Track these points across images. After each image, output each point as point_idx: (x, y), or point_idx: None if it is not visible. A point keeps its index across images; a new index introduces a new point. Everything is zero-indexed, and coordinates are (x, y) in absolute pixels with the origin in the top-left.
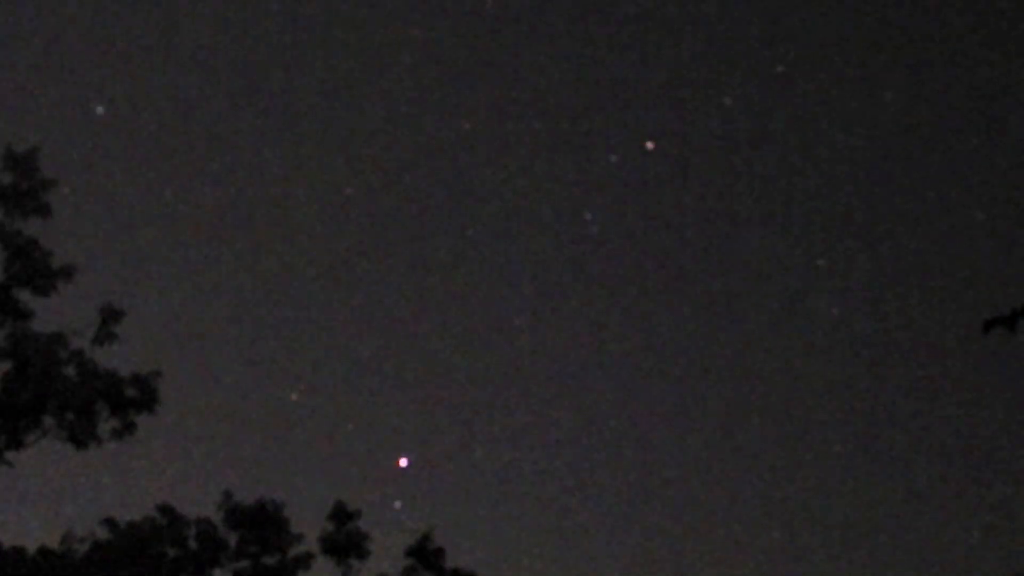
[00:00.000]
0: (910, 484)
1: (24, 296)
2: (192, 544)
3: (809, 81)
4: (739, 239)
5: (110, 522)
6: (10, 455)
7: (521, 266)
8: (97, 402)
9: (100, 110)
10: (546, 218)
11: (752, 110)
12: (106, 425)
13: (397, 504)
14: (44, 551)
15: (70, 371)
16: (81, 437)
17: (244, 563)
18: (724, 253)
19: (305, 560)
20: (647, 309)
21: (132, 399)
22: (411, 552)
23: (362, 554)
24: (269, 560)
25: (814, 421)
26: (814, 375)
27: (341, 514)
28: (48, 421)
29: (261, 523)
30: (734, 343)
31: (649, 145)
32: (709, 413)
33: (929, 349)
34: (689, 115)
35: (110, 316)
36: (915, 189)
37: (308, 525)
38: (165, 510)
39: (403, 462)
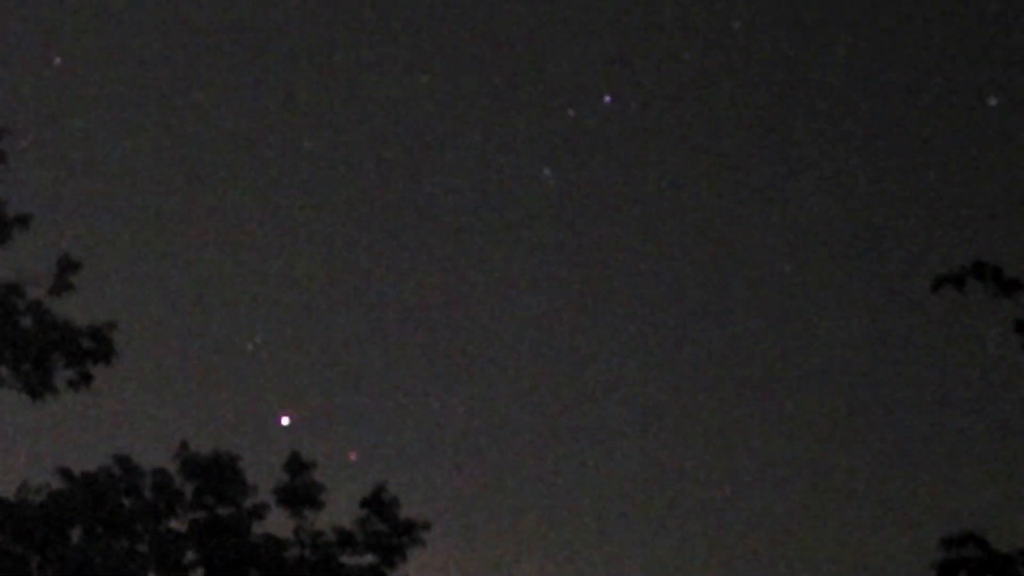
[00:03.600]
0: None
1: None
2: (148, 495)
3: (771, 34)
4: (702, 190)
5: (66, 472)
6: None
7: (479, 223)
8: (53, 353)
9: (57, 60)
10: (505, 173)
11: (713, 62)
12: (62, 376)
13: (352, 456)
14: (0, 501)
15: (26, 321)
16: (37, 388)
17: (200, 514)
18: (686, 205)
19: (260, 511)
20: (607, 264)
21: (88, 350)
22: (365, 503)
23: (317, 505)
24: (224, 511)
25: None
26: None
27: (296, 465)
28: (3, 371)
29: (217, 474)
30: (699, 292)
31: (607, 99)
32: (678, 361)
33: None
34: (649, 67)
35: (67, 267)
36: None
37: (264, 476)
38: (121, 461)
39: (284, 420)
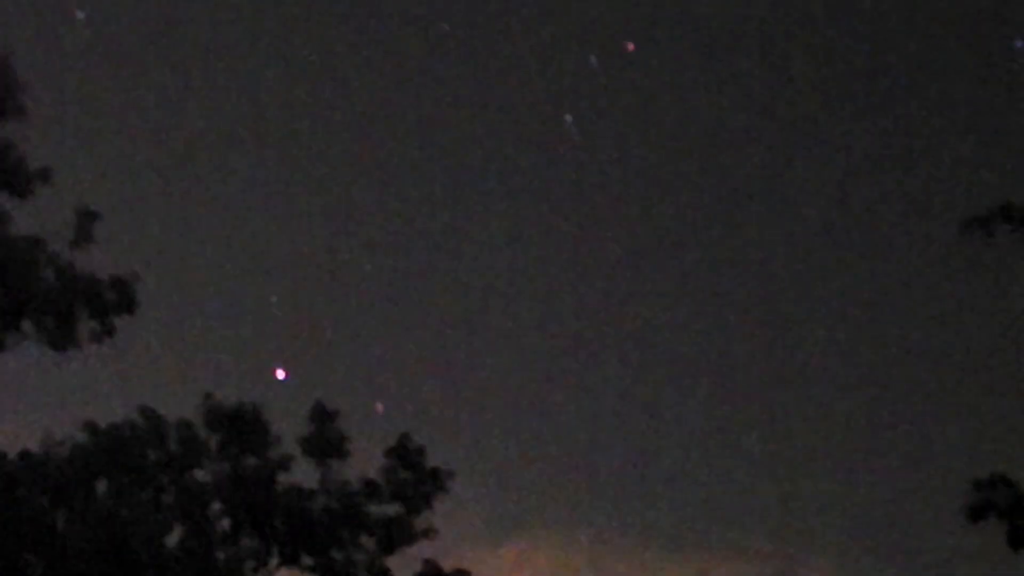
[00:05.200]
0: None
1: (1, 199)
2: (173, 446)
3: None
4: (723, 135)
5: (90, 425)
6: None
7: (503, 170)
8: (76, 305)
9: (80, 15)
10: (526, 121)
11: (734, 9)
12: (85, 328)
13: (379, 406)
14: (25, 454)
15: (49, 274)
16: (60, 341)
17: (224, 465)
18: (708, 151)
19: (285, 461)
20: (628, 212)
21: (111, 302)
22: (391, 452)
23: (342, 455)
24: (249, 461)
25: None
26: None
27: (321, 415)
28: (27, 325)
29: (241, 425)
30: (722, 240)
31: (629, 46)
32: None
33: None
34: (669, 14)
35: (88, 219)
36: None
37: (288, 426)
38: (145, 412)
39: (280, 374)
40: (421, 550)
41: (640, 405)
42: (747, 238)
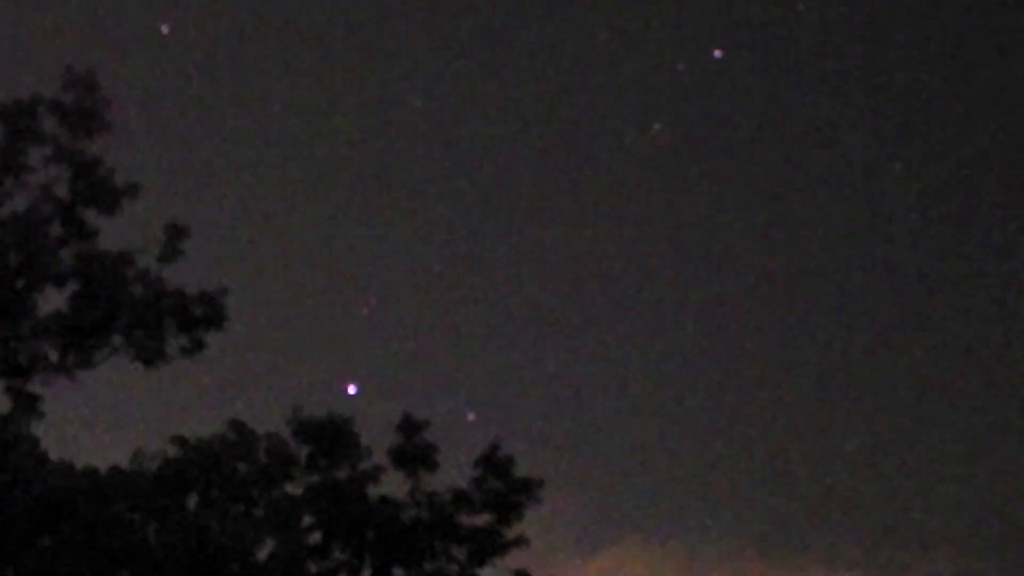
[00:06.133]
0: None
1: (89, 215)
2: (263, 459)
3: None
4: (810, 141)
5: (180, 439)
6: (80, 374)
7: (592, 178)
8: (165, 320)
9: (165, 29)
10: (615, 127)
11: (827, 14)
12: (175, 343)
13: (471, 416)
14: (115, 470)
15: (137, 290)
16: (150, 355)
17: (314, 477)
18: (793, 155)
19: (375, 473)
20: (720, 219)
21: (200, 316)
22: (480, 462)
23: (431, 465)
24: (339, 474)
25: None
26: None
27: (409, 426)
28: (117, 340)
29: (330, 437)
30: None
31: (717, 53)
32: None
33: None
34: (759, 22)
35: (176, 233)
36: None
37: (377, 438)
38: (235, 426)
39: (351, 389)
40: (513, 560)
41: (735, 411)
42: (849, 242)
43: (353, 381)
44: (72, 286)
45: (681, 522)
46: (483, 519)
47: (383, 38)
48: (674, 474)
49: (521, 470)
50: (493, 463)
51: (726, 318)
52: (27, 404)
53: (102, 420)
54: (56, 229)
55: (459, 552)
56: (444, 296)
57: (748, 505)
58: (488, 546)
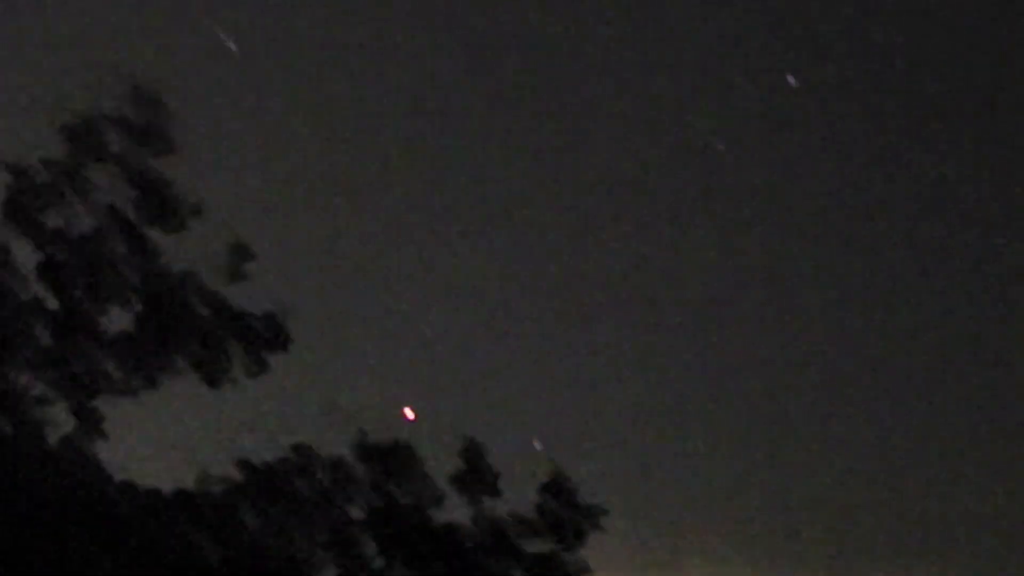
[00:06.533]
0: None
1: (154, 234)
2: (326, 483)
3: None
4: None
5: (244, 462)
6: (143, 395)
7: (657, 197)
8: (229, 341)
9: (232, 45)
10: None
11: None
12: (238, 364)
13: (537, 445)
14: (179, 493)
15: (201, 310)
16: (214, 376)
17: (377, 502)
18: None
19: (438, 499)
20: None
21: (264, 337)
22: (544, 488)
23: (494, 492)
24: (402, 499)
25: None
26: None
27: (472, 452)
28: (181, 360)
29: (394, 462)
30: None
31: (791, 80)
32: None
33: None
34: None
35: (240, 253)
36: None
37: (440, 464)
38: (299, 449)
39: (409, 414)
40: None
41: (797, 433)
42: (920, 256)
43: (411, 406)
44: (136, 306)
45: (743, 548)
46: (546, 546)
47: (472, 56)
48: (741, 498)
49: (584, 497)
50: (557, 490)
51: (788, 345)
52: (91, 424)
53: (165, 442)
54: (121, 248)
55: None
56: (512, 322)
57: (816, 529)
58: (550, 573)
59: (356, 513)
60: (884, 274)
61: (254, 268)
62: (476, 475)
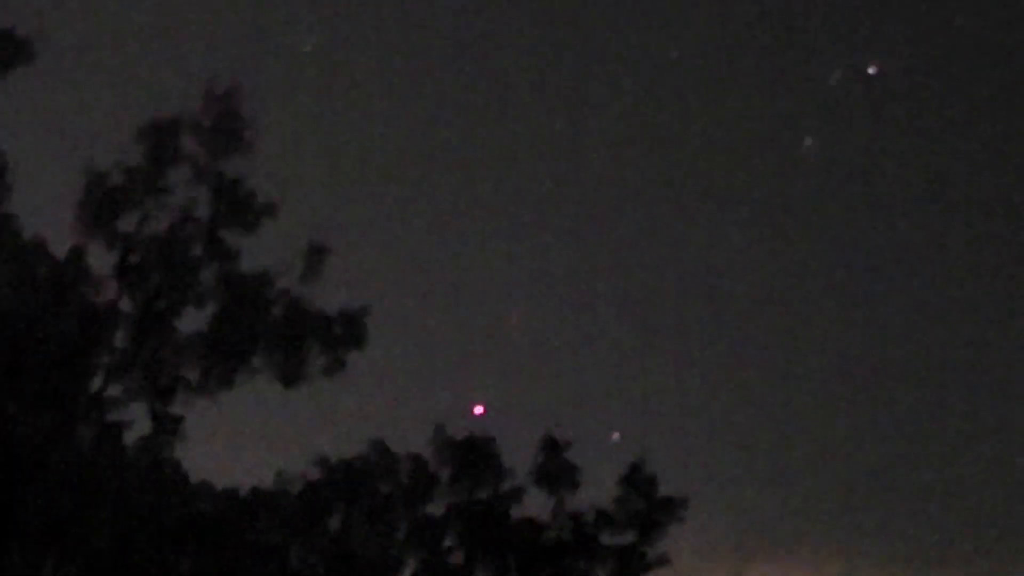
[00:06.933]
0: None
1: (230, 235)
2: (404, 480)
3: None
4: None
5: (322, 460)
6: (221, 395)
7: (743, 196)
8: (306, 340)
9: (308, 47)
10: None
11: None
12: (315, 363)
13: (615, 436)
14: (257, 491)
15: (278, 309)
16: (290, 375)
17: (457, 498)
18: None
19: (517, 493)
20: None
21: (341, 336)
22: (623, 481)
23: (573, 485)
24: (481, 494)
25: None
26: None
27: (552, 446)
28: (257, 360)
29: (473, 457)
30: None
31: (872, 69)
32: None
33: None
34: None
35: (317, 253)
36: None
37: (520, 457)
38: (377, 446)
39: (478, 410)
40: None
41: (893, 417)
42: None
43: (482, 402)
44: (213, 307)
45: (836, 537)
46: (626, 538)
47: (545, 48)
48: (829, 487)
49: (664, 488)
50: (636, 482)
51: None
52: (169, 425)
53: (243, 441)
54: (197, 249)
55: (602, 571)
56: (592, 319)
57: (905, 516)
58: (631, 565)
59: (435, 509)
60: None
61: (330, 267)
62: (555, 469)
